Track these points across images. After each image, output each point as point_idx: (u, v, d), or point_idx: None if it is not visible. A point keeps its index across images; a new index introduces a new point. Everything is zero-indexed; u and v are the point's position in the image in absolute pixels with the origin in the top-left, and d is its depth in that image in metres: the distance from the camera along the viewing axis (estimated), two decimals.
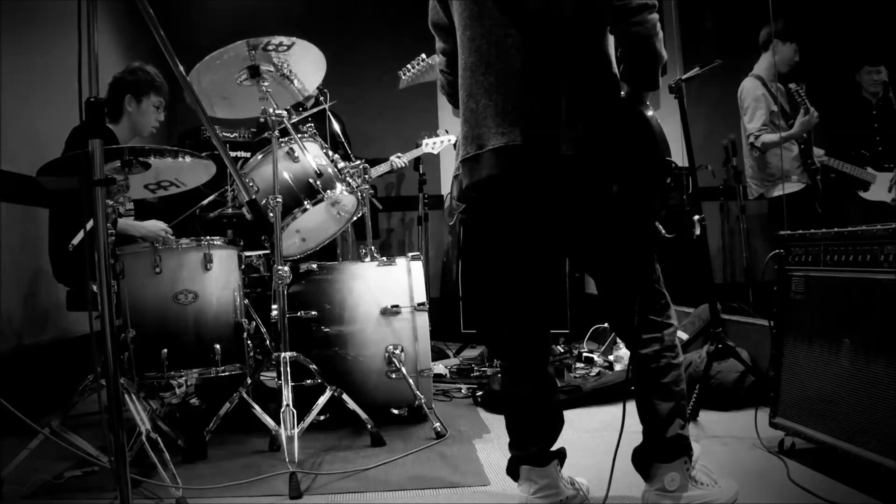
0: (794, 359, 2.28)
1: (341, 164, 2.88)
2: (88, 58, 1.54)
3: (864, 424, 1.95)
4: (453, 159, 4.10)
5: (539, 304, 1.92)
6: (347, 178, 2.85)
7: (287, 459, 2.18)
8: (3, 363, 3.03)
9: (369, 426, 2.59)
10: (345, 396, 2.58)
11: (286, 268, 2.59)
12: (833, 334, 2.11)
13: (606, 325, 3.73)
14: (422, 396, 2.77)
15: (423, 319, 2.89)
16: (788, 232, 2.38)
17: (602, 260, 1.86)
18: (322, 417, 2.64)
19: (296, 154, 2.80)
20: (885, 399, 1.89)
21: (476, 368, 3.89)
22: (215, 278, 2.68)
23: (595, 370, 3.49)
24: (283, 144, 2.80)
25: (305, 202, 2.74)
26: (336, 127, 3.46)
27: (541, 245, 1.87)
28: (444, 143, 4.51)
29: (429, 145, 4.54)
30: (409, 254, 3.08)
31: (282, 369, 2.44)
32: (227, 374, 2.66)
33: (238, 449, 2.57)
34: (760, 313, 3.39)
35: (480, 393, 3.23)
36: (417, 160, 4.84)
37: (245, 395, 2.53)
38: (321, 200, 2.77)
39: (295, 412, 2.32)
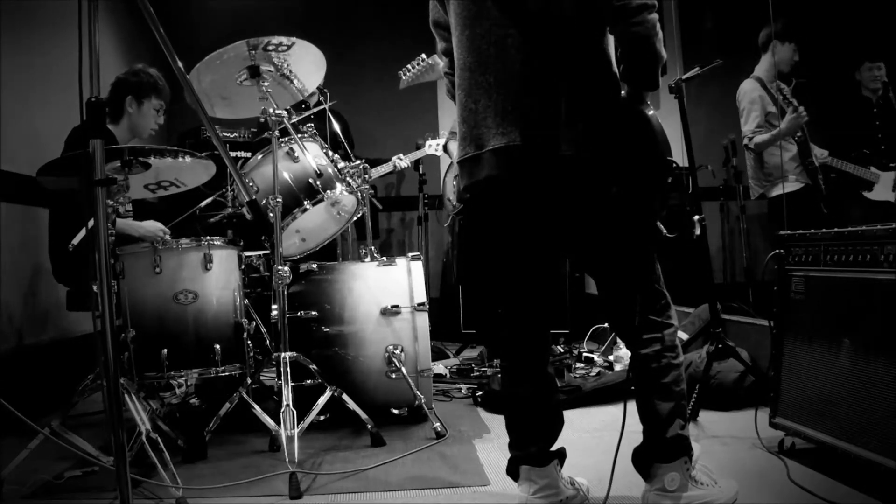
0: (794, 359, 2.28)
1: (341, 164, 2.88)
2: (89, 58, 1.54)
3: (864, 424, 1.95)
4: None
5: (539, 305, 1.92)
6: (347, 178, 2.85)
7: (287, 459, 2.18)
8: (3, 363, 3.03)
9: (369, 426, 2.58)
10: (345, 396, 2.58)
11: (286, 268, 2.59)
12: (833, 334, 2.11)
13: (606, 325, 3.73)
14: (422, 396, 2.77)
15: (423, 319, 2.89)
16: (788, 232, 2.38)
17: (602, 260, 1.86)
18: (322, 417, 2.64)
19: (296, 154, 2.80)
20: (885, 399, 1.89)
21: (476, 368, 3.89)
22: (215, 278, 2.68)
23: (595, 370, 3.49)
24: (283, 144, 2.80)
25: (305, 202, 2.74)
26: (336, 127, 3.46)
27: (541, 245, 1.87)
28: None
29: (431, 147, 4.55)
30: (409, 254, 3.08)
31: (282, 369, 2.44)
32: (227, 374, 2.66)
33: (238, 449, 2.57)
34: (760, 313, 3.39)
35: (480, 393, 3.23)
36: (418, 160, 4.85)
37: (245, 395, 2.53)
38: (321, 200, 2.77)
39: (295, 412, 2.32)
